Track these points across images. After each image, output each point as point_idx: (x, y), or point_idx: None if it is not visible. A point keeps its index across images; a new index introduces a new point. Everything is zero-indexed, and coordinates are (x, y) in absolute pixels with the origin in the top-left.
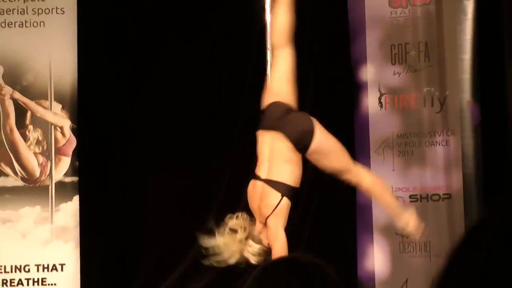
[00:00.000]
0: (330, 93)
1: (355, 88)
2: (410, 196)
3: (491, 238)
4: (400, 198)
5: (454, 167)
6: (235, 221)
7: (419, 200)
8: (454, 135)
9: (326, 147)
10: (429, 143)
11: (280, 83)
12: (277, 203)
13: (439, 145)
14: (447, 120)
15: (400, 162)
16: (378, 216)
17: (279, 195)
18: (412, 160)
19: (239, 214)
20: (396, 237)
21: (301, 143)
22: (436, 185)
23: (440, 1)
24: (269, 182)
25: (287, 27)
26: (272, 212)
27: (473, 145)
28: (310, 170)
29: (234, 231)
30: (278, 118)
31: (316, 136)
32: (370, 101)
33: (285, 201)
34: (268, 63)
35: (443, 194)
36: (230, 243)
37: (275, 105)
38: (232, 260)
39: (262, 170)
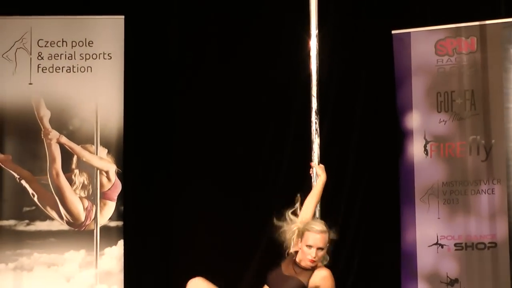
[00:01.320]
0: (376, 141)
1: (401, 136)
2: (455, 245)
3: None
4: (446, 246)
5: (499, 216)
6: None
7: (464, 248)
8: (500, 183)
9: None
10: (475, 191)
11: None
12: None
13: (485, 193)
14: (493, 168)
15: (445, 210)
16: (423, 264)
17: None
18: (458, 208)
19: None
20: (441, 286)
21: None
22: (482, 234)
23: (486, 49)
24: None
25: None
26: None
27: None
28: (355, 216)
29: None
30: None
31: None
32: (416, 149)
33: None
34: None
35: (489, 243)
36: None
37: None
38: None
39: None
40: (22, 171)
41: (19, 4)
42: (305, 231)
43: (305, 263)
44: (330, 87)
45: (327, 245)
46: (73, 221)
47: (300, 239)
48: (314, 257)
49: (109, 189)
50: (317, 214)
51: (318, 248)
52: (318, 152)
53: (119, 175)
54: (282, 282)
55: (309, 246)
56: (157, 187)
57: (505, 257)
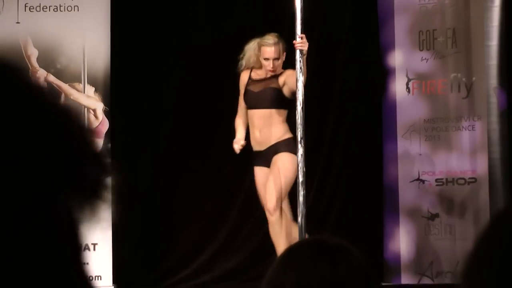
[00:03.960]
0: (359, 79)
1: (383, 74)
2: (436, 180)
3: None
4: (427, 182)
5: (480, 152)
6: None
7: (445, 184)
8: (480, 120)
9: None
10: (456, 128)
11: None
12: None
13: (466, 130)
14: (474, 105)
15: (426, 146)
16: (404, 199)
17: None
18: (439, 145)
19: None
20: (422, 220)
21: None
22: (462, 169)
23: None
24: None
25: None
26: None
27: (499, 131)
28: (338, 153)
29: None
30: None
31: None
32: (398, 87)
33: None
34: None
35: (469, 178)
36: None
37: None
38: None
39: None
40: None
41: None
42: (260, 46)
43: (267, 73)
44: (314, 26)
45: (283, 54)
46: None
47: (259, 54)
48: (273, 67)
49: (96, 126)
50: (301, 151)
51: (274, 59)
52: (303, 90)
53: (106, 112)
54: (258, 97)
55: (266, 59)
56: (144, 124)
57: (484, 192)
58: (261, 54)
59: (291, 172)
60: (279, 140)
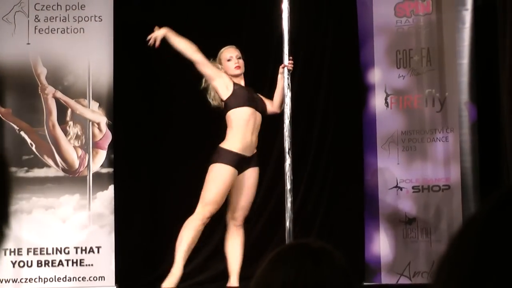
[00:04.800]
0: (341, 94)
1: (364, 90)
2: (413, 187)
3: (482, 228)
4: (404, 189)
5: (452, 161)
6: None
7: (421, 191)
8: (453, 132)
9: None
10: (430, 139)
11: None
12: None
13: (439, 141)
14: (447, 118)
15: (404, 156)
16: (384, 205)
17: None
18: (415, 155)
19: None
20: (400, 224)
21: None
22: (437, 177)
23: (440, 11)
24: None
25: None
26: None
27: (470, 142)
28: (322, 163)
29: None
30: None
31: None
32: (377, 101)
33: None
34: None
35: (443, 186)
36: None
37: None
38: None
39: None
40: (21, 123)
41: None
42: (220, 56)
43: (234, 72)
44: (299, 46)
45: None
46: (68, 168)
47: (221, 66)
48: (237, 63)
49: (100, 139)
50: (289, 161)
51: (238, 58)
52: (290, 104)
53: (109, 126)
54: (252, 96)
55: (229, 60)
56: (144, 136)
57: (457, 198)
58: (222, 60)
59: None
60: (254, 152)
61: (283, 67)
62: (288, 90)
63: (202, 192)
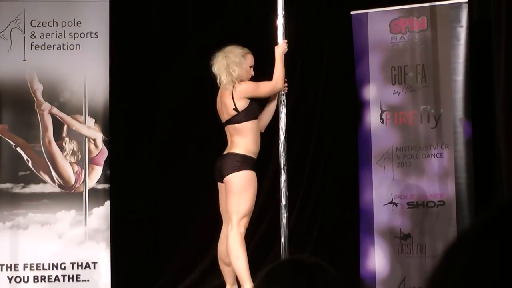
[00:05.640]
0: (336, 110)
1: (359, 106)
2: (408, 203)
3: (474, 240)
4: (399, 205)
5: (447, 177)
6: None
7: (416, 207)
8: (448, 148)
9: None
10: (425, 155)
11: None
12: None
13: (434, 157)
14: (442, 135)
15: (399, 172)
16: (379, 221)
17: None
18: (410, 171)
19: None
20: (395, 240)
21: None
22: (431, 193)
23: (435, 27)
24: None
25: None
26: None
27: (465, 158)
28: (318, 179)
29: None
30: None
31: None
32: (373, 118)
33: None
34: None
35: (438, 202)
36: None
37: None
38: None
39: None
40: (17, 139)
41: None
42: (245, 55)
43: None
44: (296, 62)
45: None
46: (64, 184)
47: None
48: (252, 74)
49: (96, 155)
50: (284, 177)
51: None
52: (285, 120)
53: (105, 142)
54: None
55: (251, 67)
56: (140, 152)
57: (452, 214)
58: (246, 62)
59: None
60: None
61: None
62: (283, 106)
63: (234, 205)
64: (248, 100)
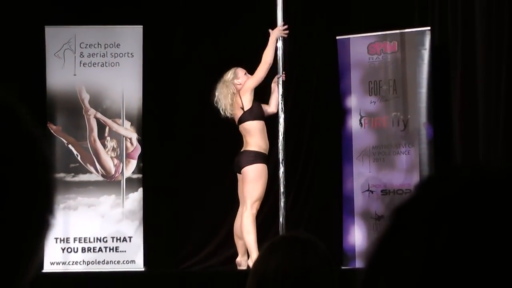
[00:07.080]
0: (325, 115)
1: (343, 112)
2: (382, 191)
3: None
4: (375, 192)
5: (413, 171)
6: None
7: (388, 194)
8: (413, 147)
9: None
10: (396, 152)
11: None
12: None
13: (403, 154)
14: (409, 136)
15: (374, 166)
16: (358, 205)
17: None
18: (383, 165)
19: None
20: (371, 220)
21: None
22: (401, 183)
23: (404, 50)
24: None
25: None
26: None
27: (428, 155)
28: (309, 172)
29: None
30: None
31: None
32: (353, 122)
33: None
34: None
35: (406, 189)
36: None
37: None
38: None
39: None
40: (69, 138)
41: (67, 17)
42: (236, 72)
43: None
44: (292, 77)
45: None
46: (106, 174)
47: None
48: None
49: (132, 151)
50: (282, 169)
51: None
52: (283, 124)
53: (139, 140)
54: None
55: (245, 74)
56: (166, 148)
57: None
58: (241, 73)
59: None
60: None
61: (278, 77)
62: (282, 112)
63: (248, 191)
64: (252, 101)
